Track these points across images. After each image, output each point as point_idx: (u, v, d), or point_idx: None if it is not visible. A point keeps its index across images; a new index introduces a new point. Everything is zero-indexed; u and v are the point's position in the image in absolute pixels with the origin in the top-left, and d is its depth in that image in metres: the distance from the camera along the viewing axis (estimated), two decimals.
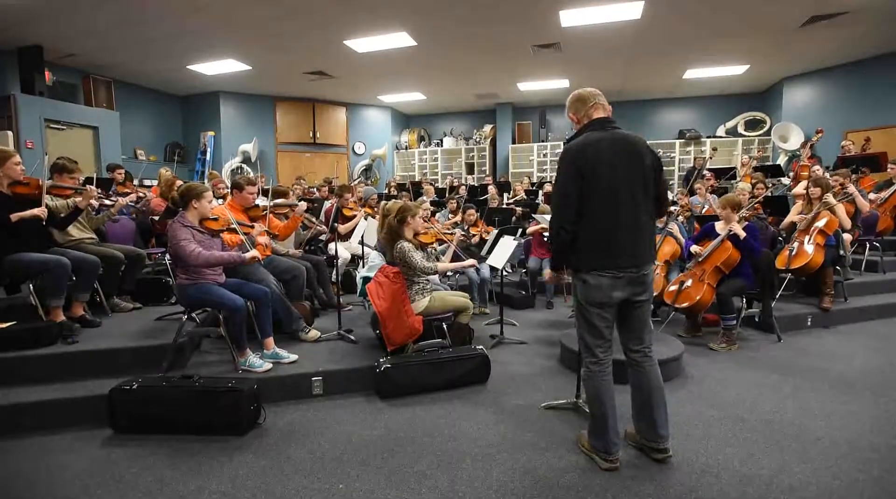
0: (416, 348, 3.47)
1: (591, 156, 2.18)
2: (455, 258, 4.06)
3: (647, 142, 2.32)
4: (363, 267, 4.56)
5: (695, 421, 2.82)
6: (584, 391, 2.43)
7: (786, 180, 7.70)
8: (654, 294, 4.30)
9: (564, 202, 2.22)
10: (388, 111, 12.75)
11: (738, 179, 7.55)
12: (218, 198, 4.88)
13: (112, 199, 4.19)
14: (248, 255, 3.26)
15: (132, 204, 4.71)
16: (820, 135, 7.46)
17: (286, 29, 7.05)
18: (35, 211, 3.27)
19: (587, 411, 2.85)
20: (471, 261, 3.93)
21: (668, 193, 2.38)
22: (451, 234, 4.30)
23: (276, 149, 11.59)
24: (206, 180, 8.98)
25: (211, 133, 10.83)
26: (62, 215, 3.59)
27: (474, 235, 5.63)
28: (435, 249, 3.85)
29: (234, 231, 3.44)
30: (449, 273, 5.26)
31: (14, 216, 3.19)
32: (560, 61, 8.62)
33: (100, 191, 3.92)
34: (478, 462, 2.42)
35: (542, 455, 2.47)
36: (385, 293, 3.41)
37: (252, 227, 3.69)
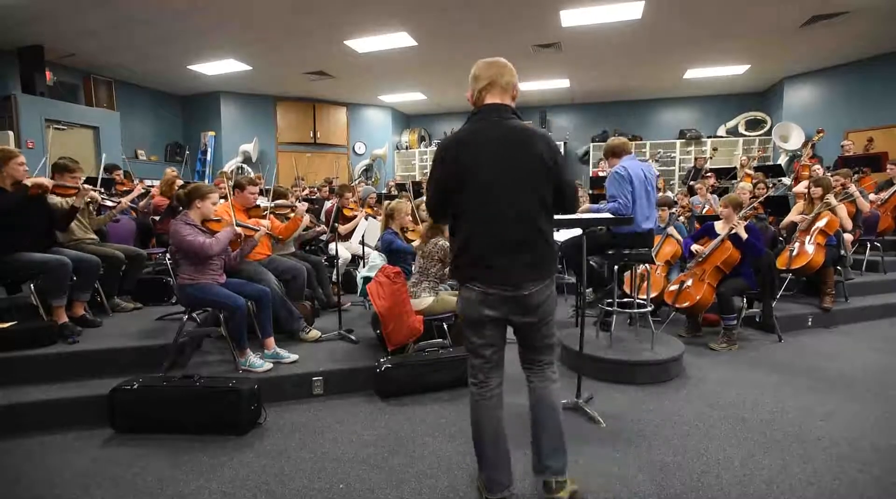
0: (417, 348, 3.47)
1: (459, 155, 1.83)
2: None
3: (544, 138, 1.88)
4: (363, 267, 4.56)
5: (695, 421, 2.82)
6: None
7: (786, 180, 7.70)
8: (654, 294, 4.35)
9: (436, 210, 1.98)
10: (388, 111, 12.75)
11: (739, 179, 7.55)
12: (221, 197, 4.88)
13: (113, 199, 4.19)
14: (257, 235, 3.42)
15: (135, 202, 4.71)
16: (821, 135, 7.45)
17: (287, 29, 7.06)
18: (43, 180, 3.31)
19: (588, 411, 2.86)
20: None
21: (579, 193, 2.00)
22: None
23: (277, 149, 11.60)
24: (206, 180, 8.99)
25: (211, 133, 10.84)
26: (61, 212, 3.59)
27: None
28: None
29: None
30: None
31: (29, 180, 3.26)
32: (560, 61, 8.61)
33: (102, 191, 3.92)
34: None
35: None
36: (386, 293, 3.40)
37: (256, 230, 3.68)
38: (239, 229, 3.36)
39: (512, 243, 1.83)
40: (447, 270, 3.45)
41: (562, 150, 11.80)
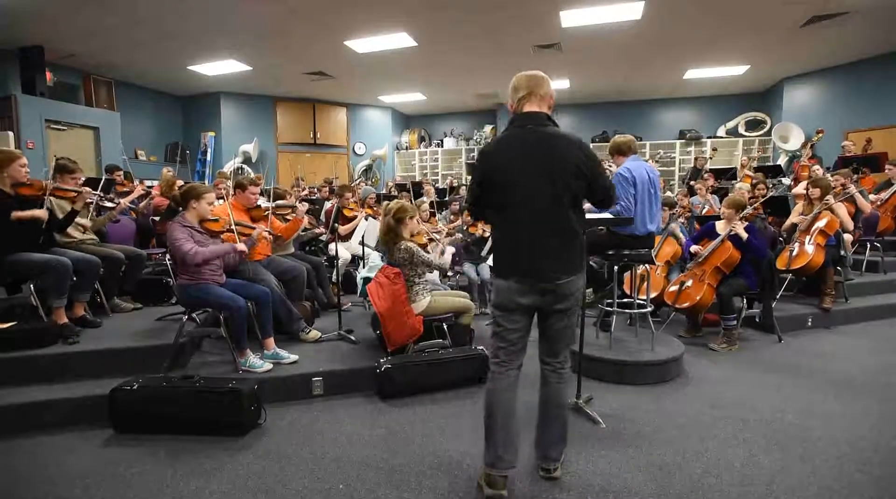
0: (417, 349, 3.47)
1: (500, 157, 2.03)
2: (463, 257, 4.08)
3: (580, 144, 2.02)
4: (363, 267, 4.57)
5: (695, 421, 2.82)
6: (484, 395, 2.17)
7: (786, 180, 7.70)
8: (654, 294, 4.35)
9: (474, 209, 2.22)
10: (388, 112, 12.75)
11: (739, 179, 7.55)
12: (218, 198, 4.88)
13: (114, 201, 4.19)
14: (239, 246, 3.32)
15: (134, 203, 4.71)
16: (820, 135, 7.45)
17: (286, 29, 7.06)
18: (36, 212, 3.27)
19: (588, 412, 2.87)
20: (450, 250, 4.05)
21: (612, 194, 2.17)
22: (439, 232, 4.31)
23: (277, 149, 11.60)
24: (206, 181, 9.00)
25: (211, 133, 10.84)
26: (60, 217, 3.59)
27: (474, 234, 5.63)
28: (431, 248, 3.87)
29: (232, 232, 3.45)
30: (449, 273, 5.27)
31: (15, 215, 3.19)
32: (560, 62, 8.62)
33: (101, 194, 3.92)
34: (478, 463, 2.41)
35: None
36: (385, 294, 3.41)
37: (252, 228, 3.69)
38: (241, 246, 3.34)
39: (543, 240, 2.00)
40: (419, 269, 3.46)
41: None
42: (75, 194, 3.60)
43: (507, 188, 2.01)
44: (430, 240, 4.12)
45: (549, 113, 2.09)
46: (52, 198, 3.57)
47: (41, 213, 3.29)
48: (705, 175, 7.81)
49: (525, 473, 2.30)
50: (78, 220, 3.75)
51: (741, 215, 4.18)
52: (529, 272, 2.01)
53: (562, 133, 2.04)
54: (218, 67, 8.85)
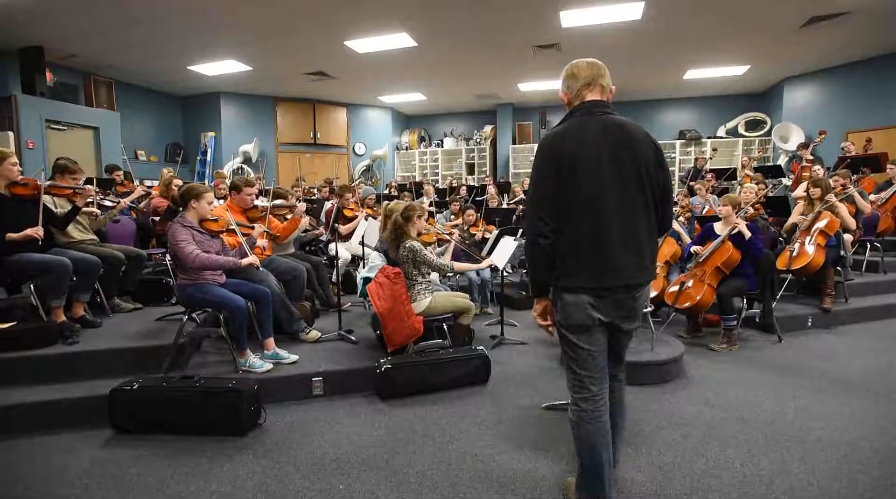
0: (417, 349, 3.47)
1: (575, 146, 1.74)
2: (463, 258, 4.07)
3: (650, 136, 1.86)
4: (363, 267, 4.56)
5: (695, 422, 2.82)
6: (574, 438, 1.89)
7: (787, 181, 7.69)
8: (654, 294, 4.35)
9: (540, 204, 1.78)
10: (388, 112, 12.75)
11: (739, 179, 7.54)
12: (219, 198, 4.89)
13: (113, 200, 4.19)
14: (244, 261, 3.26)
15: (134, 203, 4.71)
16: (823, 136, 7.42)
17: (287, 30, 7.05)
18: (29, 232, 3.20)
19: None
20: (487, 261, 3.97)
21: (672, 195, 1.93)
22: (451, 233, 4.31)
23: (277, 149, 11.60)
24: (206, 181, 9.00)
25: (211, 134, 10.84)
26: (61, 214, 3.58)
27: (475, 235, 5.63)
28: (434, 248, 3.87)
29: (233, 232, 3.45)
30: (450, 274, 5.26)
31: (9, 237, 3.15)
32: (560, 62, 8.52)
33: (98, 190, 3.91)
34: (478, 463, 2.42)
35: (543, 456, 2.47)
36: (385, 294, 3.41)
37: (252, 228, 3.69)
38: (248, 261, 3.28)
39: (629, 242, 1.76)
40: (422, 268, 3.45)
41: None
42: (72, 191, 3.58)
43: (592, 182, 1.73)
44: (441, 241, 4.13)
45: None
46: (52, 197, 3.57)
47: (34, 233, 3.21)
48: (707, 175, 7.81)
49: (524, 476, 2.29)
50: (79, 218, 3.75)
51: (741, 214, 4.18)
52: (613, 283, 1.75)
53: (634, 124, 1.83)
54: (218, 67, 8.85)
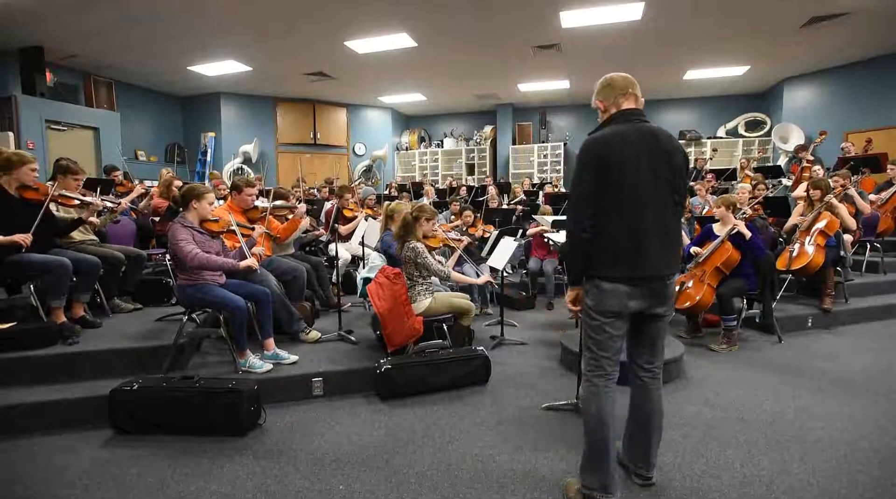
0: (417, 349, 3.47)
1: (617, 150, 1.93)
2: (465, 264, 4.09)
3: (681, 145, 2.09)
4: (363, 268, 4.56)
5: (695, 422, 2.82)
6: (583, 414, 2.08)
7: (787, 181, 7.69)
8: None
9: (583, 202, 1.97)
10: (388, 112, 12.76)
11: (739, 179, 7.54)
12: (219, 198, 4.88)
13: (113, 201, 4.19)
14: (243, 263, 3.26)
15: (134, 204, 4.70)
16: (823, 137, 7.41)
17: (287, 30, 7.06)
18: (17, 238, 3.11)
19: None
20: (484, 278, 4.03)
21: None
22: (460, 240, 4.28)
23: (277, 150, 11.60)
24: (206, 181, 9.00)
25: (211, 134, 10.84)
26: (64, 222, 3.58)
27: (474, 235, 5.63)
28: (440, 252, 3.88)
29: (233, 233, 3.44)
30: (446, 282, 5.27)
31: None
32: (560, 62, 8.62)
33: (104, 199, 3.91)
34: (478, 463, 2.42)
35: (543, 456, 2.47)
36: (386, 294, 3.41)
37: (252, 229, 3.69)
38: (247, 263, 3.28)
39: (663, 236, 1.98)
40: (423, 270, 3.46)
41: (562, 151, 11.81)
42: (77, 203, 3.57)
43: (633, 182, 1.93)
44: (448, 246, 4.12)
45: None
46: (57, 205, 3.56)
47: (22, 240, 3.13)
48: (707, 176, 7.81)
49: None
50: None
51: (740, 214, 4.17)
52: (647, 274, 1.96)
53: (664, 130, 2.06)
54: (218, 68, 8.85)
